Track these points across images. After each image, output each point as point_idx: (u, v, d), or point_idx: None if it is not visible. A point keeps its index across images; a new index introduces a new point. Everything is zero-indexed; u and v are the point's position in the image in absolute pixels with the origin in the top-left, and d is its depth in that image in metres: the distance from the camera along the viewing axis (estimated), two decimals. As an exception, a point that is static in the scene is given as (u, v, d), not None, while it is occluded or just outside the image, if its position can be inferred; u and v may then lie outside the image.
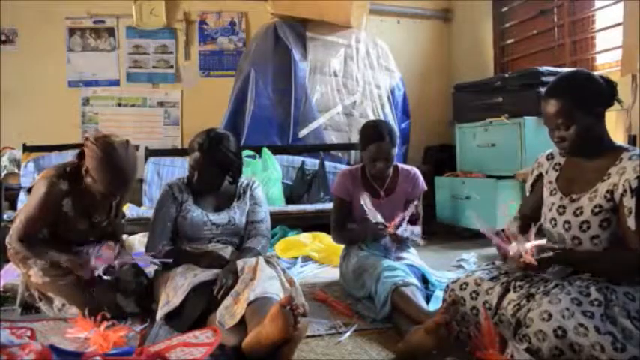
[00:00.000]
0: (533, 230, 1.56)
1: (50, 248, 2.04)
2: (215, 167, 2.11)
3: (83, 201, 2.08)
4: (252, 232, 2.18)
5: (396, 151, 2.32)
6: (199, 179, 2.12)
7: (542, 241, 1.56)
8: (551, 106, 1.57)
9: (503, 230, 1.61)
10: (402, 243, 2.20)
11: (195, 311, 1.80)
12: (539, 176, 1.78)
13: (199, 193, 2.19)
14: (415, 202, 2.34)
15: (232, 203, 2.20)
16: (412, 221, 2.26)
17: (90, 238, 2.13)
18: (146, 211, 3.68)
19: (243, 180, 2.28)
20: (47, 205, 2.00)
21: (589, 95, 1.55)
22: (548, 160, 1.77)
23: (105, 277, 1.91)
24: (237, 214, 2.18)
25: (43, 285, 2.05)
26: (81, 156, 2.02)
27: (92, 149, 1.94)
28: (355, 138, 4.29)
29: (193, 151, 2.11)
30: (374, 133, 2.28)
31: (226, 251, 2.08)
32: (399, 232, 2.15)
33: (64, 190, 2.01)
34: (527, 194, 1.85)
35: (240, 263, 1.88)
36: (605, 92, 1.57)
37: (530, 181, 1.83)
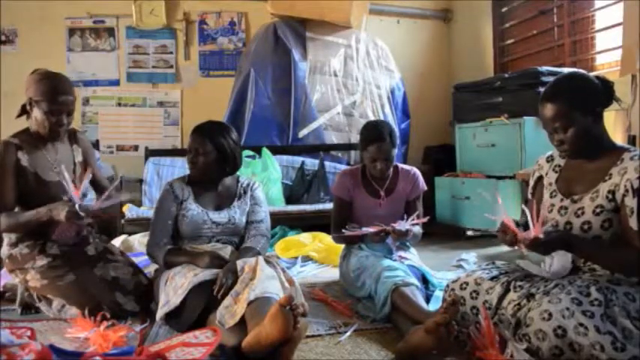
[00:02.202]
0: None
1: (27, 211, 2.03)
2: (213, 150, 2.10)
3: (38, 150, 2.10)
4: (252, 231, 2.17)
5: (396, 151, 2.32)
6: (196, 164, 2.11)
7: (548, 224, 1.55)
8: (548, 110, 1.57)
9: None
10: (403, 237, 2.18)
11: (195, 311, 1.80)
12: (540, 178, 1.78)
13: (200, 192, 2.18)
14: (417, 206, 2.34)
15: (233, 202, 2.20)
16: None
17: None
18: (146, 211, 3.67)
19: (244, 180, 2.28)
20: (6, 165, 2.03)
21: (585, 96, 1.55)
22: (548, 161, 1.76)
23: (81, 213, 1.88)
24: (237, 214, 2.17)
25: (42, 288, 2.05)
26: (24, 108, 2.12)
27: (28, 79, 2.08)
28: (355, 138, 4.30)
29: (194, 133, 2.13)
30: (374, 133, 2.28)
31: (226, 251, 2.07)
32: (398, 227, 2.14)
33: (15, 144, 2.07)
34: (530, 197, 1.84)
35: (240, 263, 1.87)
36: (601, 92, 1.57)
37: (531, 184, 1.83)
